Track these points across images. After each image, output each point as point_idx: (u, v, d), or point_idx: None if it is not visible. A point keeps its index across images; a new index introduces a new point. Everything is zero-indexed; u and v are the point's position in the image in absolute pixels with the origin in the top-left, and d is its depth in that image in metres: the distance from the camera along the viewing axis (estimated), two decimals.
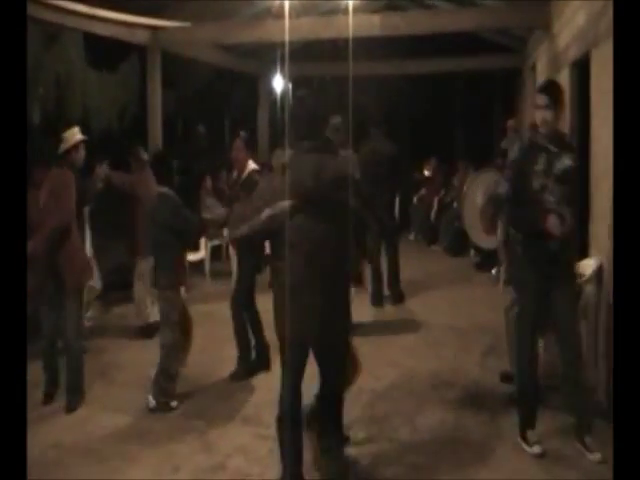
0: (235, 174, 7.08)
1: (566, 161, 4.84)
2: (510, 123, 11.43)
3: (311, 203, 4.17)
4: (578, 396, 5.01)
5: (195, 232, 6.62)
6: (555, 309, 4.92)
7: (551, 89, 5.04)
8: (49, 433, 5.41)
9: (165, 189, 6.00)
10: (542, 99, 4.89)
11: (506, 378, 6.12)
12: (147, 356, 7.10)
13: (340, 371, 4.54)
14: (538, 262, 4.92)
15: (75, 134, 6.99)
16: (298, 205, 4.17)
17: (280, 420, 4.41)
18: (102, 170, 7.76)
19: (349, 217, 4.23)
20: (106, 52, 14.18)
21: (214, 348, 7.20)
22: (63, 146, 6.91)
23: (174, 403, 5.92)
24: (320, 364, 4.44)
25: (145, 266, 7.79)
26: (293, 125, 4.38)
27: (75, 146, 6.95)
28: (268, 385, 6.19)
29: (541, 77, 11.26)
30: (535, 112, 4.99)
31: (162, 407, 5.86)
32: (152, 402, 5.86)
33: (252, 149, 6.75)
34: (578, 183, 4.86)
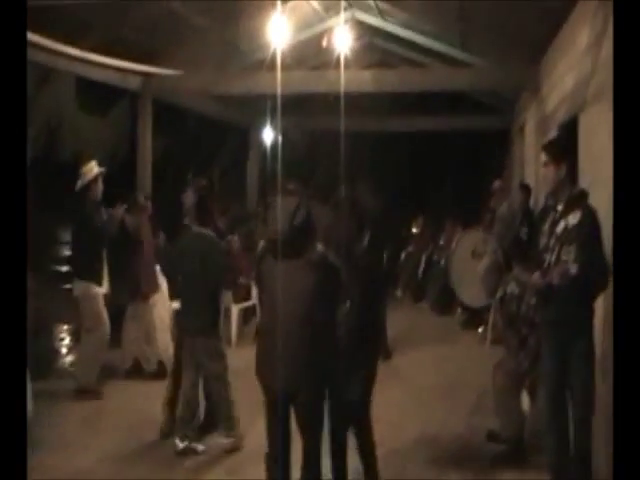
0: None
1: (570, 219, 4.58)
2: (496, 184, 11.43)
3: (285, 247, 4.06)
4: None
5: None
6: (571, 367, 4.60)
7: (550, 147, 4.96)
8: None
9: (206, 230, 5.99)
10: (542, 156, 4.79)
11: (493, 437, 6.04)
12: (128, 403, 7.03)
13: (314, 433, 4.28)
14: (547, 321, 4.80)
15: (93, 167, 7.27)
16: (269, 248, 4.13)
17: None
18: (119, 212, 7.77)
19: (330, 267, 4.15)
20: (98, 96, 14.24)
21: None
22: (83, 180, 7.12)
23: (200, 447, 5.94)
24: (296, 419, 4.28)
25: (138, 308, 7.87)
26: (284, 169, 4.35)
27: (95, 179, 7.18)
28: (255, 439, 6.10)
29: (530, 138, 11.36)
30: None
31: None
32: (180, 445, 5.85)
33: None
34: (587, 239, 4.47)
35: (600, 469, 4.64)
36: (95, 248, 7.55)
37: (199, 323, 5.90)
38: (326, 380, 4.26)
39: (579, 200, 4.61)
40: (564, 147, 4.89)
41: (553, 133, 8.05)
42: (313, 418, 4.25)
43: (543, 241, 4.73)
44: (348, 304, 4.53)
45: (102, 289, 7.60)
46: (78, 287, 7.55)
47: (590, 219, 4.51)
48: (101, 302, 7.59)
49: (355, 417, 4.85)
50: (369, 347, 4.85)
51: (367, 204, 5.12)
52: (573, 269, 4.40)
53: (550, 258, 4.62)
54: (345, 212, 4.84)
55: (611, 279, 4.03)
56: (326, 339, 4.20)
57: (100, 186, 7.47)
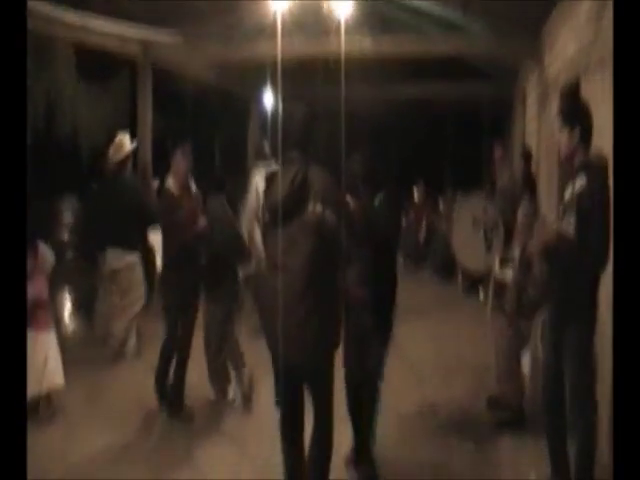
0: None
1: (577, 186, 4.40)
2: (497, 152, 11.38)
3: (285, 212, 4.05)
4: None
5: None
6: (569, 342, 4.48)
7: (563, 111, 4.73)
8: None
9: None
10: (557, 120, 4.60)
11: (493, 403, 6.10)
12: (132, 377, 7.08)
13: (327, 405, 4.28)
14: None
15: (126, 142, 7.47)
16: (271, 215, 4.14)
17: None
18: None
19: (329, 229, 4.08)
20: (97, 68, 14.17)
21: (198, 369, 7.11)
22: (119, 154, 7.24)
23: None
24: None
25: None
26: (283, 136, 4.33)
27: (128, 155, 7.47)
28: (260, 406, 6.18)
29: (531, 106, 11.32)
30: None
31: None
32: None
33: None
34: (586, 207, 4.28)
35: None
36: (141, 219, 7.66)
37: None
38: (333, 343, 4.22)
39: (585, 166, 4.43)
40: (577, 111, 4.62)
41: (563, 99, 7.99)
42: (323, 382, 4.22)
43: (560, 209, 4.60)
44: (360, 265, 4.51)
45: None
46: (117, 259, 7.65)
47: (592, 186, 4.31)
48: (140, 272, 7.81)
49: (369, 382, 4.95)
50: (383, 310, 4.88)
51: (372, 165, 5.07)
52: (569, 234, 4.36)
53: (561, 226, 4.49)
54: (356, 173, 4.86)
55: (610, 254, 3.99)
56: (331, 303, 4.18)
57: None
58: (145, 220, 7.62)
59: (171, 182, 6.16)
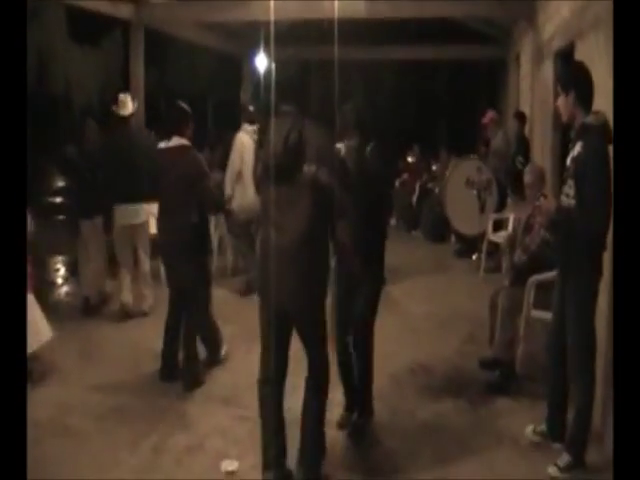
0: None
1: (575, 151, 4.40)
2: (490, 114, 11.35)
3: (279, 169, 4.08)
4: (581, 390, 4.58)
5: None
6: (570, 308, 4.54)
7: (560, 74, 4.78)
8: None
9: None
10: (555, 86, 4.67)
11: (486, 364, 6.16)
12: (125, 334, 7.12)
13: (319, 349, 4.36)
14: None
15: (129, 101, 7.62)
16: (265, 170, 4.16)
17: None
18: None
19: (323, 187, 4.09)
20: (89, 27, 14.03)
21: None
22: (125, 110, 7.51)
23: None
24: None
25: None
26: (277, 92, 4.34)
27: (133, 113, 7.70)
28: (248, 367, 6.21)
29: (525, 67, 11.29)
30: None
31: None
32: None
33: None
34: (583, 173, 4.28)
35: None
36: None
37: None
38: (325, 295, 4.30)
39: (581, 132, 4.41)
40: (571, 76, 4.60)
41: (559, 64, 7.99)
42: (317, 331, 4.31)
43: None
44: (352, 218, 4.52)
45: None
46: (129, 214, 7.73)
47: (588, 149, 4.31)
48: None
49: (358, 336, 5.00)
50: (374, 262, 4.94)
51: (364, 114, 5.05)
52: (565, 202, 4.41)
53: (562, 192, 4.53)
54: (348, 126, 4.86)
55: (609, 221, 4.05)
56: (324, 255, 4.27)
57: None
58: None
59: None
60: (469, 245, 11.18)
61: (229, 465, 4.58)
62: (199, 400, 5.67)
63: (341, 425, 5.12)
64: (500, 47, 14.95)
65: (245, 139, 8.38)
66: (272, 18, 8.86)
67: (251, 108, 8.77)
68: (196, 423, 5.26)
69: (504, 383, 5.89)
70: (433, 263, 10.96)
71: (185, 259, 5.92)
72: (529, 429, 5.00)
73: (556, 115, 7.75)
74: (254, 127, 8.42)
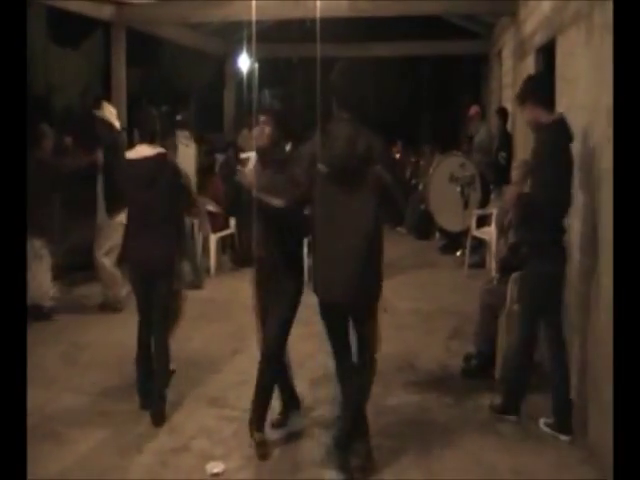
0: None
1: (534, 145, 5.10)
2: (473, 110, 11.42)
3: (343, 172, 4.24)
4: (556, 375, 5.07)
5: None
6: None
7: (520, 90, 5.24)
8: None
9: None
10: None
11: (468, 358, 6.21)
12: (109, 337, 7.09)
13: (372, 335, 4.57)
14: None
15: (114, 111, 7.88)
16: (331, 173, 4.26)
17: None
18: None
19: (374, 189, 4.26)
20: (69, 28, 13.97)
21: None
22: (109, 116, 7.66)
23: None
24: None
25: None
26: (335, 94, 4.43)
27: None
28: (234, 367, 6.21)
29: (507, 63, 11.32)
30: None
31: None
32: None
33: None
34: (539, 160, 4.95)
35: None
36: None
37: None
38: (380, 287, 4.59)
39: (538, 130, 5.00)
40: (526, 90, 5.13)
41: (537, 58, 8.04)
42: (373, 325, 4.54)
43: None
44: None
45: None
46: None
47: (540, 146, 4.94)
48: None
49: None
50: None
51: None
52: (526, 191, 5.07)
53: None
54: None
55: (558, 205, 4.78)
56: (379, 252, 4.55)
57: None
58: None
59: None
60: (453, 241, 11.22)
61: (214, 467, 4.55)
62: (184, 401, 5.64)
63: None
64: (482, 43, 14.99)
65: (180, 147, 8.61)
66: (254, 18, 8.86)
67: (178, 117, 8.93)
68: (181, 424, 5.24)
69: (480, 369, 6.01)
70: (418, 259, 10.99)
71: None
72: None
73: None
74: (185, 133, 8.60)
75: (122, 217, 7.25)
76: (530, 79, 5.47)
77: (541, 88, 5.14)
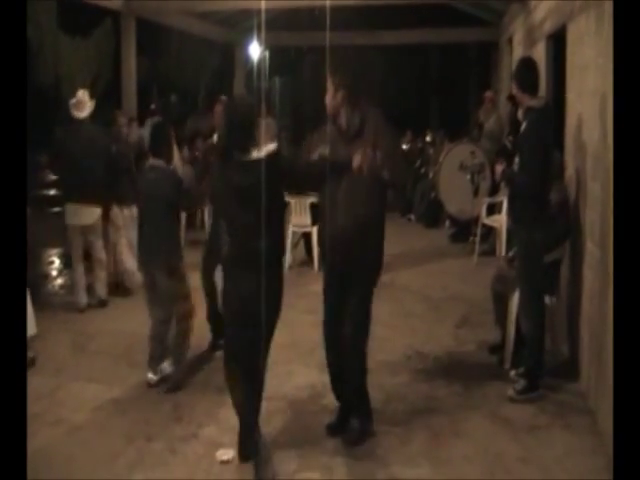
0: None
1: (522, 128, 5.45)
2: (488, 94, 11.44)
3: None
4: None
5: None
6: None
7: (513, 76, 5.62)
8: None
9: (158, 162, 5.70)
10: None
11: (493, 350, 6.23)
12: (118, 325, 7.10)
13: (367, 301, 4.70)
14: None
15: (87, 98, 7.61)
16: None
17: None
18: None
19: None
20: (79, 18, 13.98)
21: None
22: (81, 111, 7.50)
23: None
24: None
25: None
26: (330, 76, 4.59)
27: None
28: None
29: (517, 50, 11.26)
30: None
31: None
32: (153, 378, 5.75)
33: None
34: (527, 143, 5.30)
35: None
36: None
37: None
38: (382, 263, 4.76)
39: (526, 113, 5.38)
40: (514, 73, 5.61)
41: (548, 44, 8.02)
42: (367, 300, 4.69)
43: None
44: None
45: None
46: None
47: (527, 128, 5.32)
48: None
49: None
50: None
51: None
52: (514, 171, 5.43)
53: None
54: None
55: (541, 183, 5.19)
56: (380, 225, 4.70)
57: None
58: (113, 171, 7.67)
59: None
60: (463, 229, 11.18)
61: (224, 454, 4.57)
62: (193, 389, 5.66)
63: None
64: (493, 30, 14.91)
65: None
66: (263, 6, 8.86)
67: (152, 106, 8.98)
68: (190, 412, 5.25)
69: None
70: (427, 247, 10.96)
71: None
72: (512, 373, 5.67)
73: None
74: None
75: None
76: (517, 65, 5.78)
77: (526, 73, 5.45)
